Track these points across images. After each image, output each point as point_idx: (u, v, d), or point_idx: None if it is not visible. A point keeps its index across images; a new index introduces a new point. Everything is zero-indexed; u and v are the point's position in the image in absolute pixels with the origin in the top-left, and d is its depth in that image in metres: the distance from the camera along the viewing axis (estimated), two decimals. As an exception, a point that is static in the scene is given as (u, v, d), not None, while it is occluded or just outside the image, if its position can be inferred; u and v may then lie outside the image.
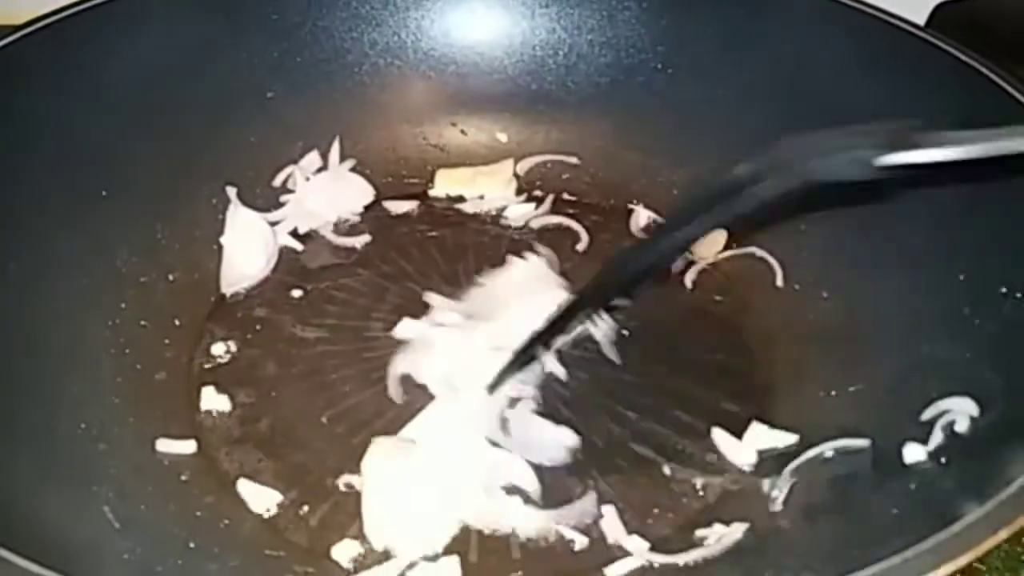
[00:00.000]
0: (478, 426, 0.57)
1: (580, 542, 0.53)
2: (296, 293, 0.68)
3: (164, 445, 0.57)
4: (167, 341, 0.63)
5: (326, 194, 0.73)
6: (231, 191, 0.70)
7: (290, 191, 0.73)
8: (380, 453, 0.54)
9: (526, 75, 0.78)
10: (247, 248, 0.68)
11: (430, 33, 0.78)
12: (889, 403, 0.57)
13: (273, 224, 0.71)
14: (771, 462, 0.57)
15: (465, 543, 0.53)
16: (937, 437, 0.52)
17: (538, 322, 0.59)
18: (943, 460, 0.51)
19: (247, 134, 0.73)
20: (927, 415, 0.54)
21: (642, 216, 0.74)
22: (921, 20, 0.75)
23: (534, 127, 0.79)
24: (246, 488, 0.55)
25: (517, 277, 0.67)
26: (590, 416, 0.59)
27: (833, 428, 0.57)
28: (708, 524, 0.53)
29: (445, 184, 0.76)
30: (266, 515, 0.54)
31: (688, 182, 0.75)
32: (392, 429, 0.58)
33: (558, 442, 0.58)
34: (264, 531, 0.53)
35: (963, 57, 0.64)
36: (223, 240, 0.68)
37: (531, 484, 0.55)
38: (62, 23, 0.65)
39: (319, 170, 0.74)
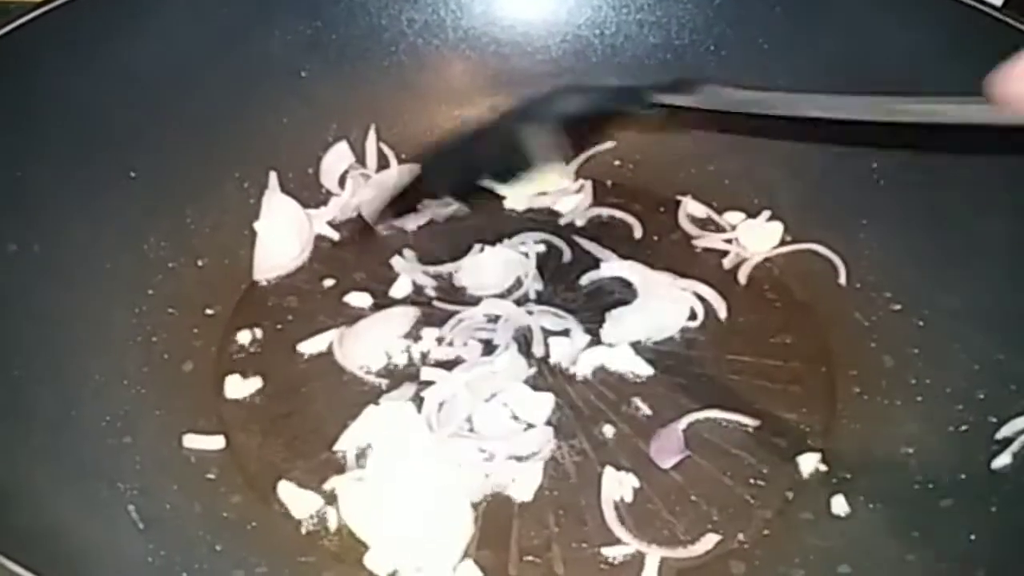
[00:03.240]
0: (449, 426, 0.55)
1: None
2: (328, 283, 0.65)
3: (191, 440, 0.54)
4: (195, 330, 0.61)
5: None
6: (272, 176, 0.67)
7: (333, 193, 0.70)
8: (352, 493, 0.51)
9: (570, 56, 0.74)
10: (282, 235, 0.65)
11: (470, 11, 0.74)
12: (960, 417, 0.53)
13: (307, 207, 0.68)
14: (834, 476, 0.53)
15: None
16: (1015, 456, 0.49)
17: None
18: (1026, 481, 0.47)
19: (279, 115, 0.70)
20: (1004, 432, 0.50)
21: (691, 207, 0.70)
22: (998, 1, 0.70)
23: (577, 111, 0.75)
24: (287, 491, 0.52)
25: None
26: (626, 411, 0.57)
27: (900, 441, 0.53)
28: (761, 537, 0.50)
29: (506, 190, 0.71)
30: (296, 518, 0.52)
31: (740, 172, 0.71)
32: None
33: (536, 440, 0.55)
34: (293, 535, 0.51)
35: (1045, 39, 0.59)
36: (257, 226, 0.65)
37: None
38: (81, 0, 0.62)
39: (377, 169, 0.71)
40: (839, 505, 0.52)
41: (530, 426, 0.55)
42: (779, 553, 0.50)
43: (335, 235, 0.68)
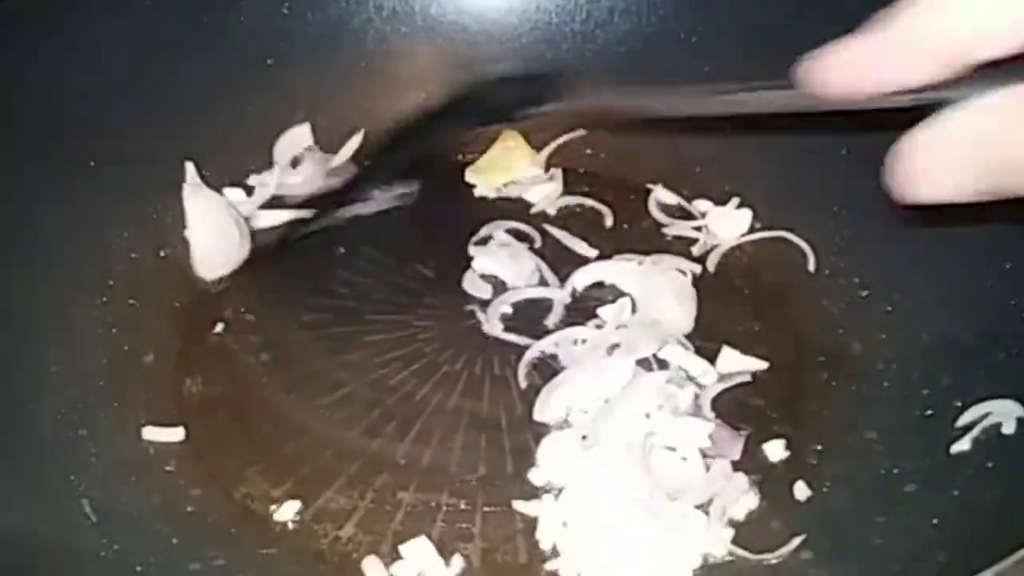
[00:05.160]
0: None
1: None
2: (292, 274, 0.64)
3: (150, 433, 0.53)
4: (157, 321, 0.60)
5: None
6: (190, 169, 0.65)
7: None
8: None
9: (541, 43, 0.74)
10: (217, 235, 0.63)
11: (440, -3, 0.73)
12: (926, 403, 0.53)
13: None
14: (800, 462, 0.53)
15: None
16: (975, 441, 0.48)
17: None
18: (989, 465, 0.47)
19: (245, 103, 0.69)
20: (966, 419, 0.50)
21: (661, 195, 0.70)
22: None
23: (548, 99, 0.74)
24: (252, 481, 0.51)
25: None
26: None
27: (866, 427, 0.53)
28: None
29: (476, 178, 0.71)
30: (258, 511, 0.51)
31: (710, 160, 0.70)
32: (393, 416, 0.55)
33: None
34: (254, 527, 0.50)
35: None
36: (187, 235, 0.63)
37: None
38: (45, -19, 0.61)
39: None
40: (802, 491, 0.51)
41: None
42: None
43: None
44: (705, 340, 0.60)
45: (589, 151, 0.73)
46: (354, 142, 0.71)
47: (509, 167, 0.71)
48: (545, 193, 0.70)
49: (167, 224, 0.64)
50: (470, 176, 0.71)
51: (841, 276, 0.62)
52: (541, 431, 0.54)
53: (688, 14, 0.71)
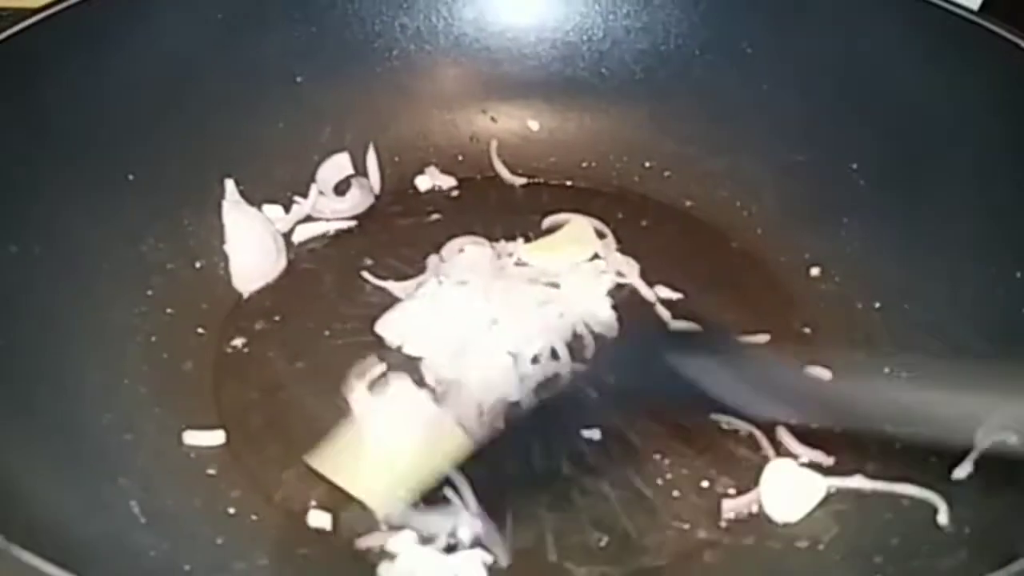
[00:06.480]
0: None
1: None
2: (324, 283, 0.66)
3: (191, 437, 0.55)
4: (194, 330, 0.62)
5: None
6: (229, 186, 0.67)
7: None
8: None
9: (559, 61, 0.76)
10: (254, 249, 0.66)
11: (461, 17, 0.76)
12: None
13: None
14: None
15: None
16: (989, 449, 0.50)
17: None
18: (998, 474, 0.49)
19: (275, 119, 0.71)
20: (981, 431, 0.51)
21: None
22: (975, 4, 0.72)
23: (566, 115, 0.77)
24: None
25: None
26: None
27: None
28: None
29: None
30: (296, 513, 0.52)
31: (725, 173, 0.73)
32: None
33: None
34: (294, 528, 0.52)
35: (1021, 43, 0.61)
36: (227, 248, 0.65)
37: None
38: (80, 6, 0.63)
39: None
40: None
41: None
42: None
43: (322, 237, 0.69)
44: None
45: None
46: (373, 157, 0.73)
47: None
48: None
49: (202, 236, 0.66)
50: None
51: (851, 286, 0.64)
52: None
53: (701, 32, 0.74)
